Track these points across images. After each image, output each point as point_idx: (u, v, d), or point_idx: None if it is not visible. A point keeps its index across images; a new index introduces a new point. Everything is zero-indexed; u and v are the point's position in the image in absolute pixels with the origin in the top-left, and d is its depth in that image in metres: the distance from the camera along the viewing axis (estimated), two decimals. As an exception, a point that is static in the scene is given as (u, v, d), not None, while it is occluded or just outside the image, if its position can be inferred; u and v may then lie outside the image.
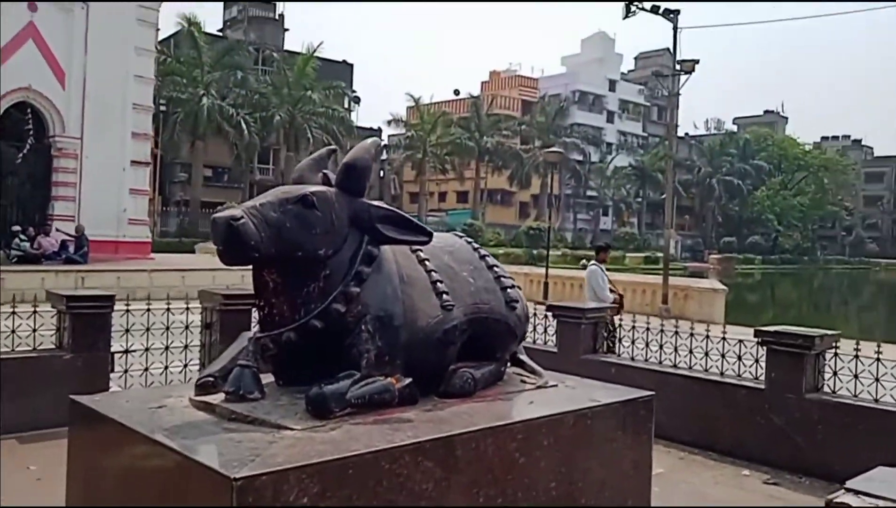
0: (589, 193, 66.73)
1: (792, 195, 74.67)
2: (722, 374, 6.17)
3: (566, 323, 7.28)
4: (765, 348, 5.78)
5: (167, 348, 6.66)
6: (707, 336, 6.32)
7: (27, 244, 16.11)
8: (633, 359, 6.84)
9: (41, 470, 5.02)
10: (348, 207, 3.82)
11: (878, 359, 5.39)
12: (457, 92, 68.85)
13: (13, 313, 5.86)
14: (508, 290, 4.53)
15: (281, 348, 3.76)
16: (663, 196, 73.76)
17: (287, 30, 56.40)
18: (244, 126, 39.61)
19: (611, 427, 4.37)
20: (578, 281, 17.87)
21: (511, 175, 57.48)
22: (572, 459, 4.12)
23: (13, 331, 5.88)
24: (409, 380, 3.91)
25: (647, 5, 18.48)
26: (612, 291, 9.84)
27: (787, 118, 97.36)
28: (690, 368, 6.39)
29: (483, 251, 4.71)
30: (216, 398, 3.81)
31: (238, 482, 2.78)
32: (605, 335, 7.36)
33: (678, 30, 18.35)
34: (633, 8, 18.72)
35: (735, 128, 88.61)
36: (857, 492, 2.61)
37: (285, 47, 52.71)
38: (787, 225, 76.01)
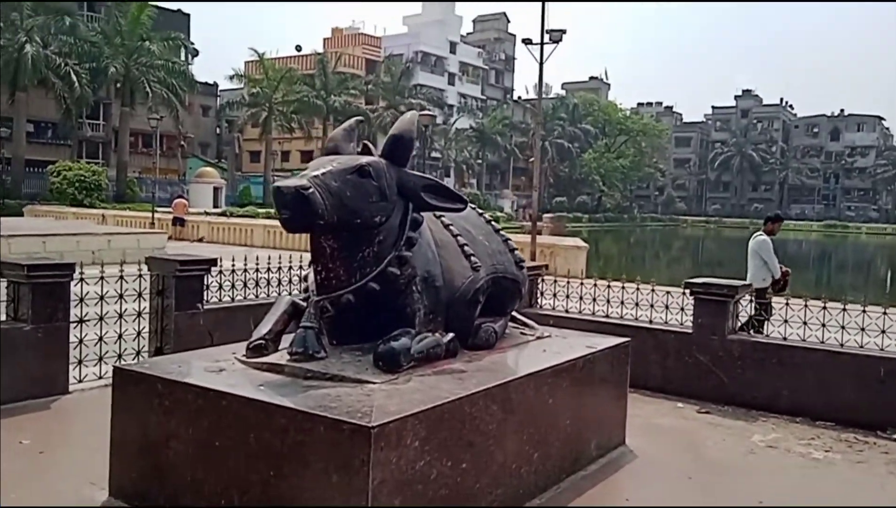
0: (433, 154, 67.88)
1: (615, 158, 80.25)
2: (651, 321, 7.06)
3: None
4: (692, 296, 6.71)
5: (121, 316, 6.52)
6: (624, 289, 7.20)
7: None
8: (567, 311, 7.58)
9: (37, 444, 4.90)
10: (396, 176, 4.12)
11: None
12: (299, 48, 67.12)
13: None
14: (515, 251, 5.04)
15: (339, 309, 4.04)
16: (503, 158, 76.51)
17: (113, -28, 51.96)
18: (74, 77, 36.43)
19: (605, 369, 5.04)
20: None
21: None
22: (580, 397, 4.75)
23: (-34, 304, 5.56)
24: (452, 335, 4.34)
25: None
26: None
27: (609, 84, 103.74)
28: (622, 317, 7.24)
29: (487, 217, 5.16)
30: (270, 359, 4.03)
31: (374, 430, 3.11)
32: (758, 313, 7.30)
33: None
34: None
35: (564, 93, 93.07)
36: None
37: (112, -8, 48.65)
38: (610, 186, 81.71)
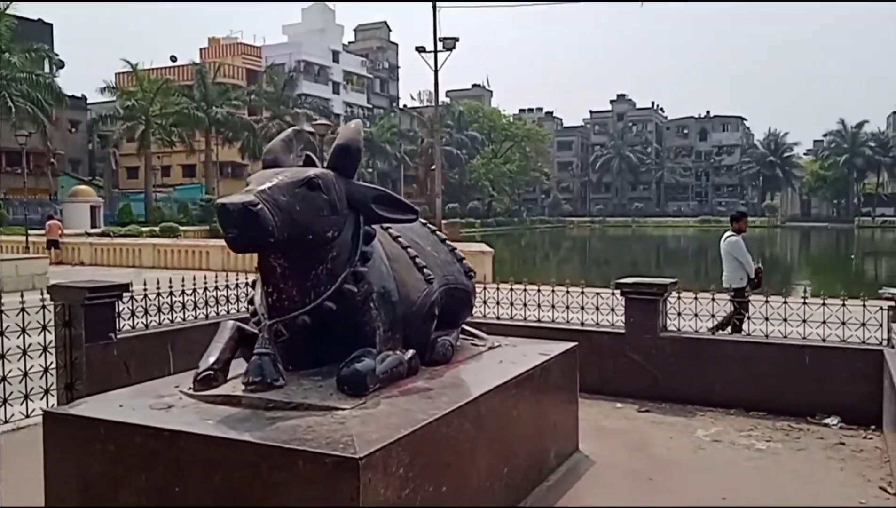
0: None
1: (502, 163, 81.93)
2: (582, 324, 7.12)
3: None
4: (623, 296, 6.82)
5: (24, 352, 5.92)
6: (547, 292, 7.25)
7: None
8: (498, 318, 7.53)
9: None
10: (345, 188, 3.92)
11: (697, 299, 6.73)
12: (174, 58, 64.42)
13: None
14: (463, 261, 4.92)
15: (294, 332, 3.79)
16: (393, 167, 76.39)
17: (-37, -21, 48.07)
18: (-76, 92, 33.37)
19: (559, 375, 5.01)
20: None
21: (242, 147, 55.54)
22: (540, 406, 4.70)
23: None
24: (412, 352, 4.17)
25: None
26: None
27: (492, 92, 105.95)
28: (553, 321, 7.27)
29: (431, 227, 5.02)
30: (223, 390, 3.73)
31: (362, 460, 2.91)
32: (736, 312, 7.44)
33: (437, 8, 19.30)
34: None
35: (448, 100, 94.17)
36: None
37: (-36, 0, 44.98)
38: (499, 190, 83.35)
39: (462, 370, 4.41)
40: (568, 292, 7.20)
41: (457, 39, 19.24)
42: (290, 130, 4.40)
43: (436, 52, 19.47)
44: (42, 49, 41.47)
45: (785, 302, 6.33)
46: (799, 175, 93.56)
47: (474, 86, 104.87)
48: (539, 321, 7.41)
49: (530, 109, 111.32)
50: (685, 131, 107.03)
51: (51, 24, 50.91)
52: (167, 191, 53.62)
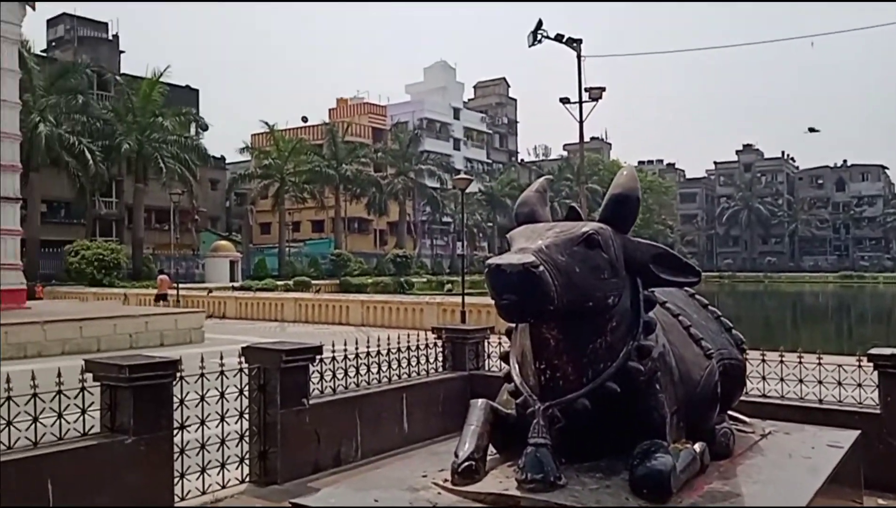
0: (444, 219, 67.70)
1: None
2: (820, 401, 6.16)
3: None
4: (877, 370, 5.84)
5: (223, 418, 5.64)
6: (787, 361, 6.32)
7: None
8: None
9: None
10: (622, 245, 3.33)
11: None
12: (305, 119, 67.57)
13: (59, 392, 4.65)
14: (733, 330, 4.20)
15: (570, 417, 3.20)
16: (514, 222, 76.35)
17: (123, 52, 52.62)
18: (88, 155, 36.15)
19: (853, 467, 4.15)
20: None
21: (368, 203, 56.98)
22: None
23: (60, 416, 4.67)
24: (703, 445, 3.46)
25: (552, 34, 19.04)
26: None
27: (610, 144, 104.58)
28: (783, 397, 6.33)
29: (690, 289, 4.34)
30: (488, 486, 3.17)
31: None
32: None
33: (581, 58, 18.91)
34: (538, 37, 19.15)
35: (566, 154, 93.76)
36: None
37: (122, 70, 49.05)
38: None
39: (753, 468, 3.65)
40: (801, 361, 6.28)
41: (603, 89, 18.70)
42: (542, 179, 3.88)
43: (581, 102, 19.06)
44: (190, 113, 44.31)
45: None
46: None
47: (592, 138, 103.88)
48: (764, 395, 6.48)
49: (650, 161, 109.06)
50: (820, 182, 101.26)
51: (197, 90, 54.49)
52: (298, 246, 55.50)
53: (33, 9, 19.29)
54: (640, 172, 77.13)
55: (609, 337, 3.22)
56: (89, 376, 4.89)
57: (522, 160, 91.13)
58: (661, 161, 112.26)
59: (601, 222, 3.38)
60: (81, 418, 4.75)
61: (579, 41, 19.11)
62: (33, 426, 4.53)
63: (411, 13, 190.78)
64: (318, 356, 6.27)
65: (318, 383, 6.41)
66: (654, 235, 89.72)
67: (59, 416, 4.65)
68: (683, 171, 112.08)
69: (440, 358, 7.82)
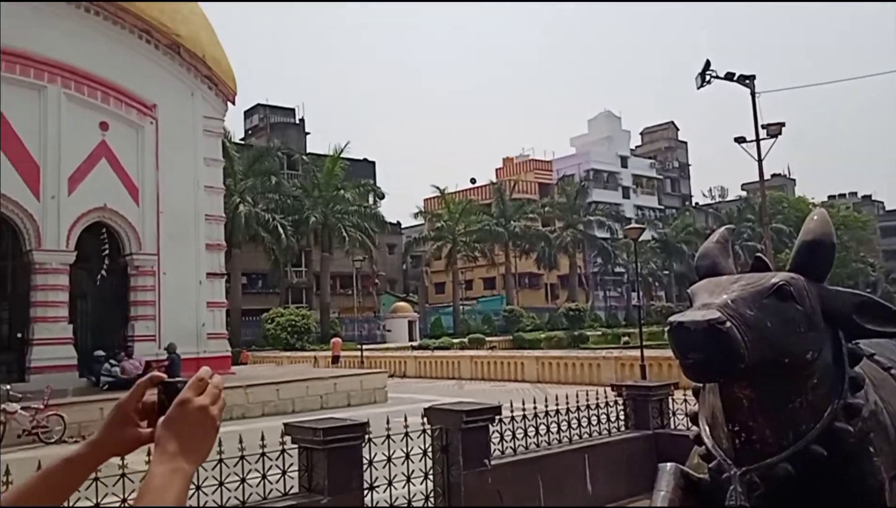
0: (616, 269, 66.25)
1: (816, 255, 74.10)
2: None
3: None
4: None
5: (408, 479, 5.80)
6: None
7: (118, 370, 15.28)
8: None
9: None
10: (818, 295, 3.09)
11: None
12: (473, 180, 69.44)
13: (262, 454, 5.04)
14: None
15: (770, 483, 2.97)
16: (691, 268, 73.25)
17: (308, 133, 57.26)
18: (280, 230, 39.42)
19: None
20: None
21: (538, 257, 57.09)
22: None
23: (263, 476, 5.04)
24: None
25: (722, 73, 18.41)
26: None
27: (794, 180, 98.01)
28: None
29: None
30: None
31: None
32: None
33: (756, 95, 18.09)
34: (707, 77, 18.59)
35: (745, 193, 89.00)
36: None
37: (308, 150, 53.32)
38: (815, 286, 75.14)
39: None
40: None
41: (782, 124, 17.74)
42: (722, 229, 3.73)
43: (758, 140, 18.15)
44: (368, 184, 47.16)
45: None
46: None
47: (774, 175, 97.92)
48: None
49: (842, 195, 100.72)
50: None
51: (374, 162, 57.98)
52: (471, 303, 56.54)
53: (233, 103, 21.63)
54: (832, 208, 71.14)
55: (810, 396, 3.01)
56: (288, 438, 5.26)
57: (697, 204, 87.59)
58: (854, 193, 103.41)
59: (793, 271, 3.18)
60: (282, 479, 5.09)
61: (752, 77, 18.39)
62: (241, 486, 4.92)
63: (573, 70, 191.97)
64: (497, 416, 6.32)
65: (498, 443, 6.44)
66: (853, 274, 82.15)
67: (263, 477, 5.02)
68: (882, 202, 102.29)
69: (622, 416, 7.59)
